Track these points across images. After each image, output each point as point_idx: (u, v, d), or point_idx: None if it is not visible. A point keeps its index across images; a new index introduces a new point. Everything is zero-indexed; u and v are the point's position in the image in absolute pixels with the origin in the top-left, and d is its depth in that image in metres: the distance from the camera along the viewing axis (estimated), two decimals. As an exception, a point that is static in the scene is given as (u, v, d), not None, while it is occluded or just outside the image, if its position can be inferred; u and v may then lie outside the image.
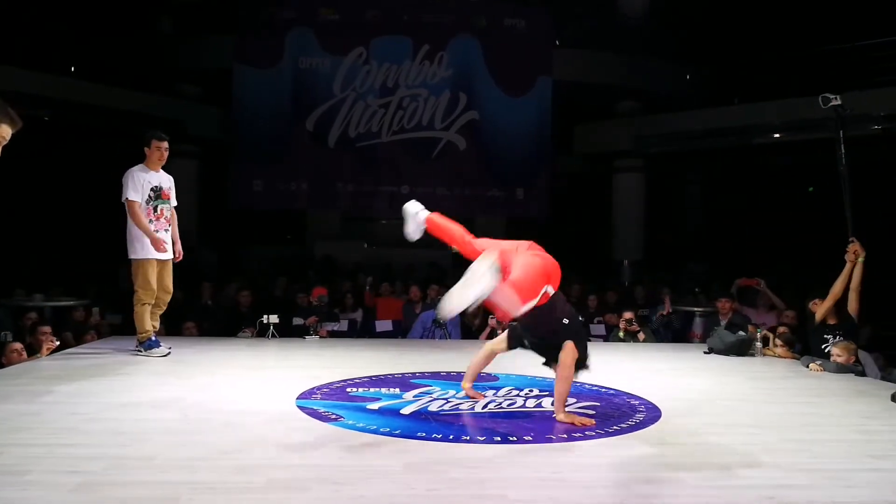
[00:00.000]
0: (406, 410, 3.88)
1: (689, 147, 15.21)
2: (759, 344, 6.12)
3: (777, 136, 13.84)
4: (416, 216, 4.23)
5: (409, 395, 4.25)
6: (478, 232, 4.40)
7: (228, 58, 14.52)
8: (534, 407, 4.04)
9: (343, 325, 8.07)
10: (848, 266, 5.60)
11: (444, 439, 3.34)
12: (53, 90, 12.60)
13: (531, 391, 4.44)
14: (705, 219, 17.19)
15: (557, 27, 15.33)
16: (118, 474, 2.74)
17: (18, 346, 5.56)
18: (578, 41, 15.54)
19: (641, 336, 7.24)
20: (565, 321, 3.72)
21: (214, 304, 8.77)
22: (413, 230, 4.25)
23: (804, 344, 6.13)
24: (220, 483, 2.66)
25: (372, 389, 4.45)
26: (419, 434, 3.41)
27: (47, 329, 5.94)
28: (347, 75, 14.82)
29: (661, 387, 4.64)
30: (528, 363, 4.69)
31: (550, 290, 3.71)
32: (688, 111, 14.98)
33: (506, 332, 4.09)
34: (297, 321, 7.53)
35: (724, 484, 2.78)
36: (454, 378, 4.83)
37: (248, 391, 4.35)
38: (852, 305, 5.60)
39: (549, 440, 3.39)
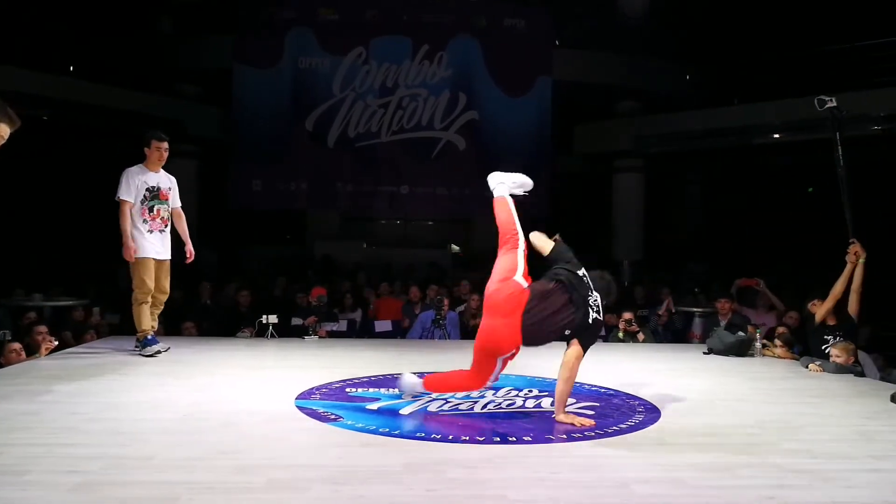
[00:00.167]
0: (405, 411, 3.88)
1: (689, 147, 15.21)
2: (758, 344, 6.12)
3: (777, 136, 13.85)
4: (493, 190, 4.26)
5: (408, 396, 4.24)
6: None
7: (228, 58, 14.52)
8: (533, 407, 4.04)
9: (342, 326, 8.07)
10: (849, 267, 5.60)
11: (444, 439, 3.34)
12: (53, 90, 12.60)
13: (530, 391, 4.44)
14: (705, 219, 17.19)
15: (557, 27, 15.33)
16: (117, 474, 2.74)
17: (17, 345, 5.55)
18: (578, 41, 15.54)
19: (641, 336, 7.24)
20: (569, 320, 3.67)
21: (214, 304, 8.76)
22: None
23: (804, 345, 6.13)
24: (219, 483, 2.66)
25: (371, 390, 4.44)
26: (419, 434, 3.41)
27: (43, 329, 5.95)
28: (347, 75, 14.81)
29: (661, 387, 4.64)
30: (527, 363, 4.70)
31: (523, 283, 3.70)
32: (688, 111, 14.98)
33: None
34: (297, 321, 7.53)
35: (724, 484, 2.77)
36: (454, 378, 4.83)
37: (248, 391, 4.34)
38: (853, 306, 5.60)
39: (549, 440, 3.39)
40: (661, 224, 16.03)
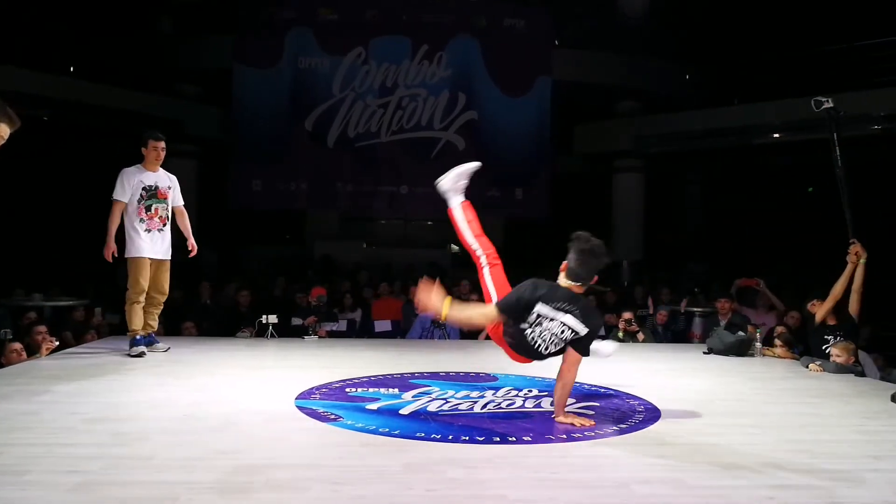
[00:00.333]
0: (405, 410, 3.88)
1: (689, 147, 15.22)
2: (758, 344, 6.11)
3: (777, 136, 13.85)
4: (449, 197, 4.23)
5: (408, 396, 4.24)
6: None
7: (228, 58, 14.53)
8: (533, 407, 4.04)
9: (342, 325, 8.07)
10: (849, 267, 5.59)
11: (444, 439, 3.34)
12: (53, 90, 12.61)
13: (530, 391, 4.43)
14: (705, 219, 17.20)
15: (557, 27, 15.34)
16: (117, 474, 2.74)
17: (18, 345, 5.56)
18: (578, 41, 15.55)
19: (641, 336, 7.24)
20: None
21: (213, 304, 8.77)
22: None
23: (805, 345, 6.13)
24: (218, 483, 2.66)
25: (371, 389, 4.44)
26: (418, 434, 3.41)
27: (43, 329, 5.95)
28: (347, 75, 14.83)
29: (661, 387, 4.64)
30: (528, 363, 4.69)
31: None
32: (688, 111, 14.99)
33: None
34: (296, 321, 7.53)
35: (724, 484, 2.77)
36: (453, 378, 4.84)
37: (247, 391, 4.34)
38: (853, 306, 5.60)
39: (549, 440, 3.39)
40: (661, 224, 16.03)
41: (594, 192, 16.59)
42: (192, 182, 14.32)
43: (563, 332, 3.59)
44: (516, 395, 4.31)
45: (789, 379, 5.12)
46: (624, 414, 3.90)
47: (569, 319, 3.57)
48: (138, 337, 5.47)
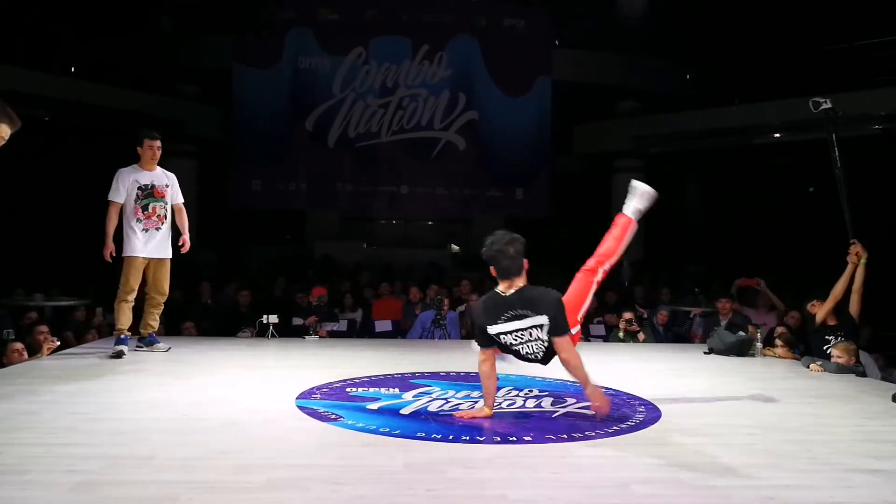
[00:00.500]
0: (406, 410, 3.88)
1: (689, 147, 15.22)
2: (759, 344, 6.11)
3: (777, 136, 13.85)
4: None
5: (408, 396, 4.24)
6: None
7: (228, 58, 14.54)
8: (533, 407, 4.04)
9: (342, 325, 8.07)
10: (850, 267, 5.59)
11: (444, 439, 3.34)
12: (53, 90, 12.62)
13: (531, 391, 4.43)
14: (705, 219, 17.19)
15: (557, 27, 15.35)
16: (117, 474, 2.74)
17: (19, 345, 5.56)
18: (578, 41, 15.55)
19: (641, 336, 7.24)
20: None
21: (214, 304, 8.76)
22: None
23: (806, 345, 6.13)
24: (219, 483, 2.66)
25: (371, 389, 4.44)
26: (419, 434, 3.41)
27: (44, 328, 5.95)
28: (347, 75, 14.84)
29: (661, 387, 4.64)
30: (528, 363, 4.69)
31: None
32: (688, 111, 14.99)
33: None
34: (297, 321, 7.53)
35: (724, 484, 2.77)
36: (454, 378, 4.84)
37: (248, 391, 4.34)
38: (854, 307, 5.59)
39: (549, 440, 3.39)
40: (661, 224, 16.01)
41: (594, 192, 16.57)
42: (192, 182, 14.29)
43: (532, 334, 3.60)
44: (517, 395, 4.31)
45: (790, 379, 5.12)
46: (624, 414, 3.90)
47: (525, 323, 3.57)
48: (123, 336, 5.43)
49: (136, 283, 5.51)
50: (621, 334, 7.23)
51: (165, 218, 5.64)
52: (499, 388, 4.41)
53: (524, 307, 3.57)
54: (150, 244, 5.54)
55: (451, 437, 3.37)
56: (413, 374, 4.98)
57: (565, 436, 3.45)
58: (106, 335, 6.93)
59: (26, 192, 13.16)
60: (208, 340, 6.66)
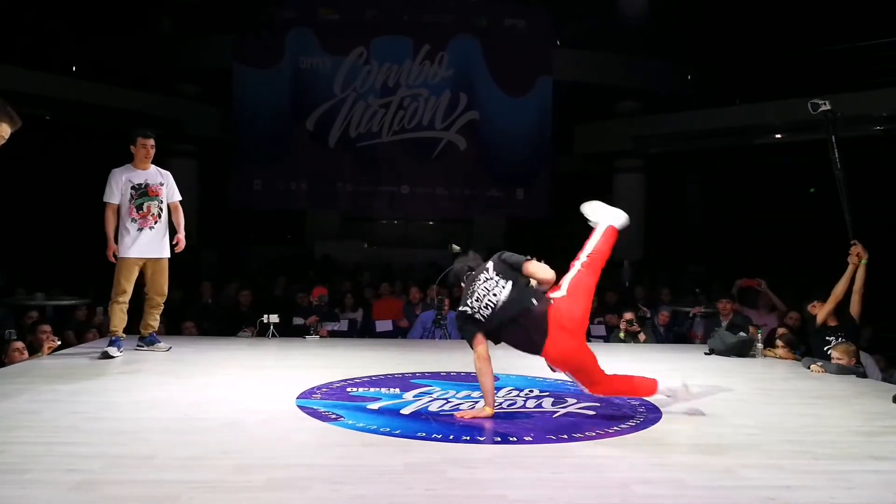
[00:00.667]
0: (406, 410, 3.88)
1: (689, 147, 15.22)
2: (759, 345, 6.11)
3: (777, 136, 13.84)
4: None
5: (409, 395, 4.25)
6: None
7: (228, 58, 14.54)
8: (534, 407, 4.04)
9: (343, 325, 8.06)
10: (850, 268, 5.58)
11: (444, 439, 3.34)
12: (53, 90, 12.62)
13: (531, 391, 4.43)
14: (705, 219, 17.19)
15: (557, 27, 15.35)
16: (117, 473, 2.74)
17: (20, 344, 5.56)
18: (578, 41, 15.56)
19: (642, 337, 7.23)
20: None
21: (214, 304, 8.76)
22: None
23: (807, 345, 6.12)
24: (219, 482, 2.66)
25: (372, 389, 4.44)
26: (419, 434, 3.41)
27: (47, 328, 5.94)
28: (348, 75, 14.84)
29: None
30: (528, 363, 4.69)
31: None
32: (688, 111, 14.98)
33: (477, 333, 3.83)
34: (298, 321, 7.52)
35: (724, 484, 2.77)
36: (454, 378, 4.84)
37: (248, 391, 4.34)
38: (855, 307, 5.59)
39: (549, 440, 3.39)
40: (661, 224, 16.02)
41: (594, 192, 16.47)
42: (192, 182, 14.33)
43: (490, 284, 3.75)
44: (517, 395, 4.31)
45: (790, 380, 5.12)
46: (625, 414, 3.90)
47: (483, 278, 3.78)
48: (115, 338, 5.38)
49: (127, 284, 5.46)
50: (622, 335, 7.23)
51: (160, 217, 5.59)
52: (499, 389, 4.41)
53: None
54: (144, 244, 5.48)
55: (451, 437, 3.37)
56: (414, 374, 4.98)
57: (566, 436, 3.45)
58: (107, 334, 6.93)
59: (27, 191, 13.16)
60: (209, 340, 6.66)
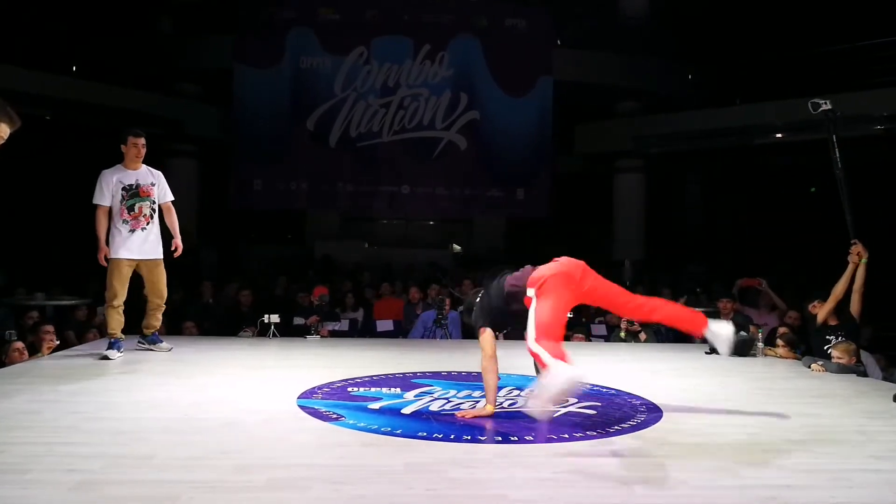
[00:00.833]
0: (407, 410, 3.88)
1: (689, 147, 15.22)
2: (760, 344, 6.10)
3: (777, 136, 13.84)
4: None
5: (410, 395, 4.25)
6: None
7: (228, 58, 14.54)
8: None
9: (344, 325, 8.06)
10: (850, 267, 5.58)
11: (445, 439, 3.34)
12: (53, 89, 12.63)
13: (532, 391, 4.43)
14: (705, 219, 17.19)
15: (558, 27, 15.35)
16: (118, 473, 2.74)
17: (20, 345, 5.56)
18: (579, 41, 15.56)
19: (643, 336, 7.23)
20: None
21: (215, 304, 8.76)
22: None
23: (807, 345, 6.12)
24: (219, 482, 2.66)
25: (373, 389, 4.44)
26: (420, 434, 3.41)
27: (49, 328, 5.93)
28: (348, 75, 14.84)
29: (662, 387, 4.63)
30: (528, 363, 4.69)
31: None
32: (688, 111, 15.00)
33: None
34: (298, 321, 7.51)
35: (725, 484, 2.77)
36: (455, 378, 4.84)
37: (249, 391, 4.34)
38: (855, 307, 5.58)
39: (550, 440, 3.39)
40: (661, 224, 16.03)
41: (595, 192, 16.59)
42: (193, 182, 14.34)
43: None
44: (518, 395, 4.31)
45: (791, 379, 5.12)
46: (626, 413, 3.90)
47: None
48: (114, 340, 5.33)
49: (120, 286, 5.36)
50: (623, 334, 7.22)
51: (152, 217, 5.51)
52: (500, 388, 4.41)
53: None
54: (136, 245, 5.41)
55: (452, 436, 3.37)
56: (414, 373, 4.98)
57: (566, 436, 3.45)
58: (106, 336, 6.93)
59: (27, 191, 13.16)
60: (209, 340, 6.66)
